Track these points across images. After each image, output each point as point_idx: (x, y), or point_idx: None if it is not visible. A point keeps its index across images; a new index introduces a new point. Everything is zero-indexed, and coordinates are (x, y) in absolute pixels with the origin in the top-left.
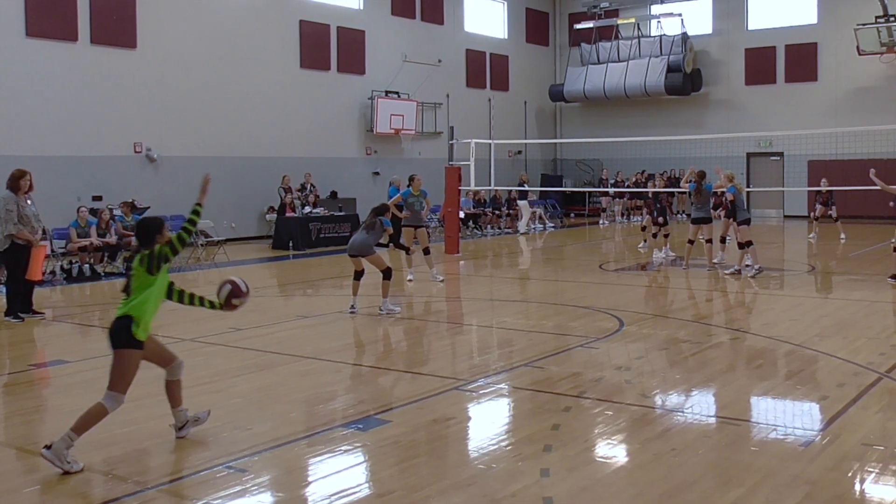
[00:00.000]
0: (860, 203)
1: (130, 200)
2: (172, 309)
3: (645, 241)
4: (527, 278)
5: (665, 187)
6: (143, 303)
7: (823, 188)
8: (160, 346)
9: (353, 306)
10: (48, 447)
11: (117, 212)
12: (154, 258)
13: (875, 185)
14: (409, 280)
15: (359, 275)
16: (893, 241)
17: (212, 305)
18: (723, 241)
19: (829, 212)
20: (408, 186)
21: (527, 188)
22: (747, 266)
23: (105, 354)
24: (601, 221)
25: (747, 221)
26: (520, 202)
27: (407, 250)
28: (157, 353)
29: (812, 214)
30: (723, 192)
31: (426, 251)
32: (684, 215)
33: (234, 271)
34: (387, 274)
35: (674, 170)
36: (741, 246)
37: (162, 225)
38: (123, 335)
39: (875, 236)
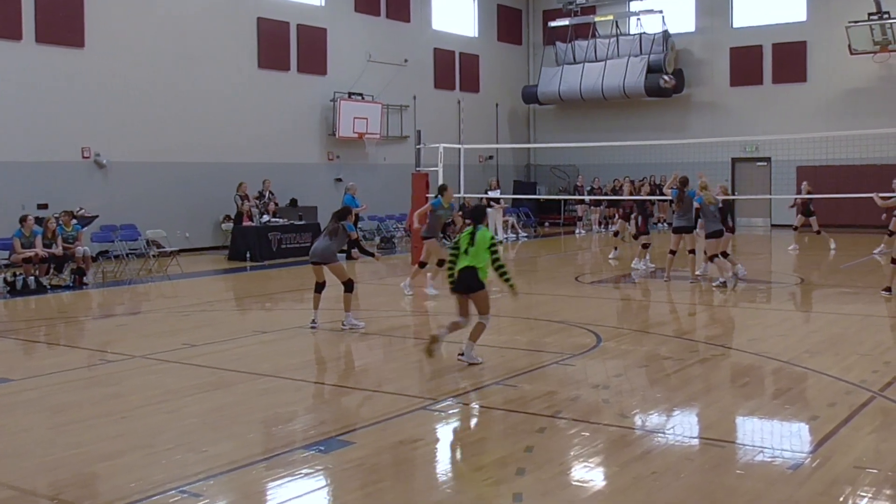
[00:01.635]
0: (852, 212)
1: (73, 210)
2: (122, 324)
3: (616, 248)
4: (498, 291)
5: (647, 193)
6: (478, 257)
7: (799, 197)
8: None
9: (314, 321)
10: (462, 354)
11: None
12: (484, 233)
13: (881, 203)
14: (433, 293)
15: (320, 287)
16: (891, 251)
17: (509, 285)
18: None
19: (809, 222)
20: (436, 196)
21: (498, 195)
22: (731, 277)
23: (51, 372)
24: (577, 231)
25: (717, 233)
26: (488, 210)
27: (422, 265)
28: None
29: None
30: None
31: (440, 263)
32: (665, 224)
33: (188, 284)
34: (348, 286)
35: (653, 176)
36: (709, 259)
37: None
38: (476, 280)
39: (868, 246)
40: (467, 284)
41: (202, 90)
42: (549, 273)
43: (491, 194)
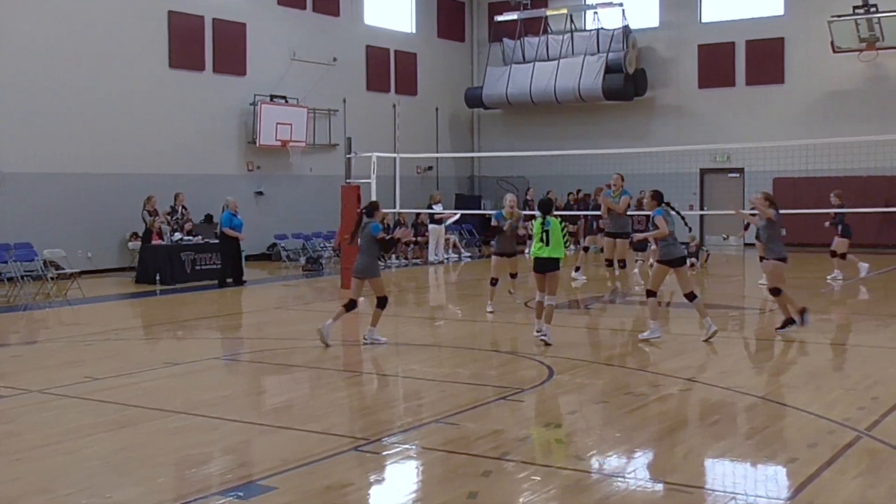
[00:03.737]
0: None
1: None
2: (16, 355)
3: (578, 268)
4: (438, 318)
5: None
6: (560, 248)
7: (833, 211)
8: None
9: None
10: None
11: None
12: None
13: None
14: (490, 312)
15: (352, 305)
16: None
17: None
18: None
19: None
20: (501, 208)
21: (440, 209)
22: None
23: None
24: (527, 251)
25: (672, 261)
26: (431, 226)
27: (494, 281)
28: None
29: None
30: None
31: (514, 275)
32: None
33: (91, 310)
34: (381, 303)
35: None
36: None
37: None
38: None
39: (853, 268)
40: (548, 266)
41: (106, 93)
42: (495, 298)
43: (435, 209)
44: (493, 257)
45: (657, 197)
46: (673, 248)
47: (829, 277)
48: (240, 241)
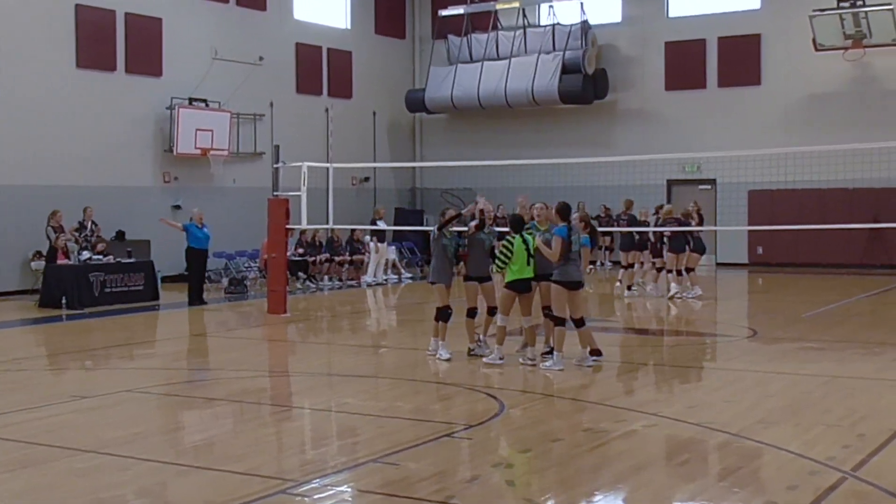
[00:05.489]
0: (814, 247)
1: None
2: None
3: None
4: (376, 346)
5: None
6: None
7: (652, 230)
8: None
9: (471, 348)
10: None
11: None
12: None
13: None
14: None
15: (472, 312)
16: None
17: None
18: (679, 272)
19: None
20: (532, 219)
21: (384, 226)
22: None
23: None
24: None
25: (567, 284)
26: (375, 244)
27: (472, 312)
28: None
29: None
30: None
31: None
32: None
33: None
34: (492, 311)
35: (582, 203)
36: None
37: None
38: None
39: (839, 290)
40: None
41: (5, 95)
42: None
43: (379, 225)
44: (466, 282)
45: (563, 212)
46: (572, 269)
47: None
48: (206, 256)
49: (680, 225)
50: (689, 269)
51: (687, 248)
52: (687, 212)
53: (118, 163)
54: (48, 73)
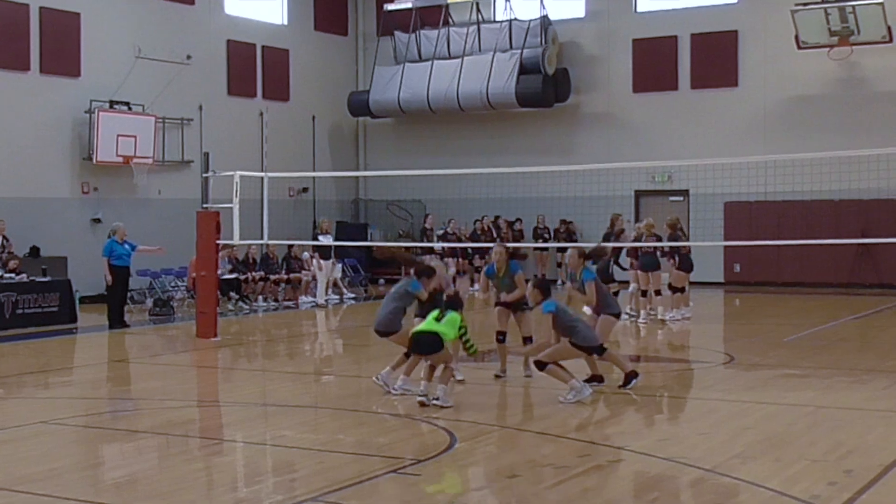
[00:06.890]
0: (796, 264)
1: None
2: None
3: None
4: (316, 373)
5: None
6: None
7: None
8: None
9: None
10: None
11: None
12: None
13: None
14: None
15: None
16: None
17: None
18: (658, 292)
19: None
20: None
21: (330, 240)
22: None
23: None
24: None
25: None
26: (322, 262)
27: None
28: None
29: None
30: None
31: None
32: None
33: None
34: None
35: (542, 216)
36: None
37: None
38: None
39: (822, 312)
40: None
41: None
42: (384, 348)
43: (322, 241)
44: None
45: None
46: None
47: (668, 315)
48: (128, 274)
49: (670, 240)
50: (677, 289)
51: (671, 264)
52: (675, 223)
53: (32, 172)
54: None
